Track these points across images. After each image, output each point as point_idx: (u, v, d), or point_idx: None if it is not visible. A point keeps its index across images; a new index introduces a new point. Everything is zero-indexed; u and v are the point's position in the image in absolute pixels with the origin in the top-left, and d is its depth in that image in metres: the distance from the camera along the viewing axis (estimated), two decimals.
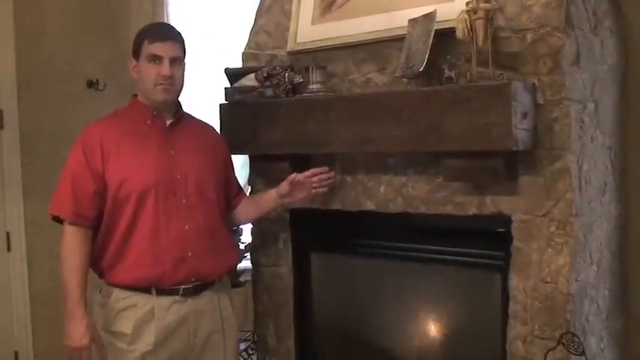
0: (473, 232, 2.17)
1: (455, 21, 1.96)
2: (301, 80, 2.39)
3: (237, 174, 2.50)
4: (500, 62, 1.99)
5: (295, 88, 2.41)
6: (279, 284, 2.64)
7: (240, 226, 2.78)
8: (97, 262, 2.17)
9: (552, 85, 1.94)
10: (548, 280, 1.99)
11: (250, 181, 2.69)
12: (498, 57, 1.99)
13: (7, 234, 3.26)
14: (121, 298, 2.14)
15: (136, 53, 2.19)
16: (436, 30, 2.04)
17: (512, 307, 2.06)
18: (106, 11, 3.58)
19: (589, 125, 2.03)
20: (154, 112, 2.21)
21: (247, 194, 2.58)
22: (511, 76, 1.95)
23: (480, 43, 1.94)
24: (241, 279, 2.97)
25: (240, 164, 2.85)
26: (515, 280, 2.05)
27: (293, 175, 2.34)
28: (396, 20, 2.23)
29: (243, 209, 2.45)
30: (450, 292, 2.32)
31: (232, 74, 2.55)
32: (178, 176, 2.18)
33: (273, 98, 2.41)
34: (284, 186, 2.35)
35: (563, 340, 1.91)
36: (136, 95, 2.26)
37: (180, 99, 2.29)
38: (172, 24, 2.80)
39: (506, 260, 2.07)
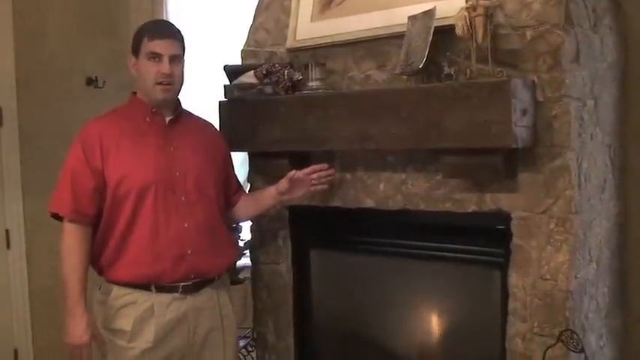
0: (472, 230, 2.17)
1: (454, 18, 1.96)
2: (300, 77, 2.38)
3: (236, 171, 2.50)
4: (500, 59, 1.98)
5: (294, 86, 2.40)
6: (279, 281, 2.64)
7: (240, 224, 2.78)
8: (96, 259, 2.17)
9: (552, 82, 1.94)
10: (548, 277, 1.99)
11: (249, 179, 2.69)
12: (498, 54, 1.98)
13: (7, 231, 3.26)
14: (120, 295, 2.15)
15: (136, 51, 2.19)
16: (436, 27, 2.04)
17: (512, 304, 2.05)
18: (106, 10, 3.57)
19: (589, 123, 2.03)
20: (154, 110, 2.21)
21: (246, 192, 2.58)
22: (511, 74, 1.95)
23: (480, 40, 1.93)
24: (241, 276, 2.97)
25: (240, 162, 2.85)
26: (514, 277, 2.05)
27: (292, 173, 2.34)
28: (395, 17, 2.22)
29: (242, 206, 2.45)
30: (450, 289, 2.32)
31: (231, 71, 2.54)
32: (178, 173, 2.18)
33: (273, 95, 2.41)
34: (283, 183, 2.35)
35: (563, 338, 1.91)
36: (135, 92, 2.26)
37: (180, 96, 2.29)
38: (171, 21, 2.80)
39: (506, 257, 2.07)
